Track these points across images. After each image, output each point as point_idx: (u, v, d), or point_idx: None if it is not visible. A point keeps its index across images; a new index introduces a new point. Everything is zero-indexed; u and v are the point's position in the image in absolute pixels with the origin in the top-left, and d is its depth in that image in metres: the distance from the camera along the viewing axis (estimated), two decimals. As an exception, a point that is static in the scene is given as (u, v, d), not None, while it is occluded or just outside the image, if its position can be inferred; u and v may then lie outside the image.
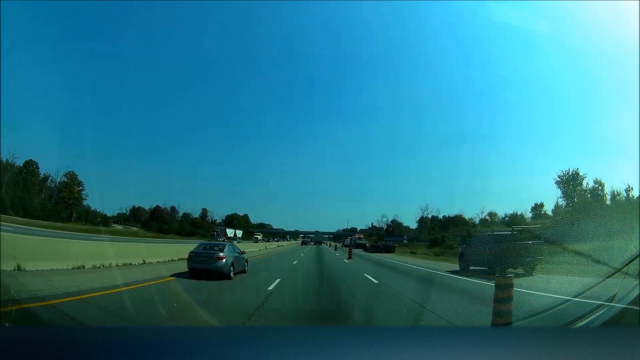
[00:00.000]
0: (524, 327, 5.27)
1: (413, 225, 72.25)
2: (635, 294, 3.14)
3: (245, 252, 15.18)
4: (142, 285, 9.41)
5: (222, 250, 12.08)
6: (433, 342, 1.63)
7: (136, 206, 72.39)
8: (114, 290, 8.27)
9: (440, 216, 66.59)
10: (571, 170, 46.76)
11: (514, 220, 43.28)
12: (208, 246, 12.77)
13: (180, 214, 73.72)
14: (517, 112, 72.03)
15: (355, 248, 47.56)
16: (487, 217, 55.49)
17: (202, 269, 11.44)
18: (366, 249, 46.96)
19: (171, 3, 58.55)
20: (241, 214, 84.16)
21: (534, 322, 5.72)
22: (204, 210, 78.98)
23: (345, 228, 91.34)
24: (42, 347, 1.45)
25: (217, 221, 77.97)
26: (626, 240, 9.49)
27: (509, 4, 36.22)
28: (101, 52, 69.04)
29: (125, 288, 8.61)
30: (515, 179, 75.77)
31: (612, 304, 3.32)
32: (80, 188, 56.06)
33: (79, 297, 7.20)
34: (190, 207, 76.80)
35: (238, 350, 1.45)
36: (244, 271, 13.68)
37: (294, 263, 21.23)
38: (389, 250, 43.22)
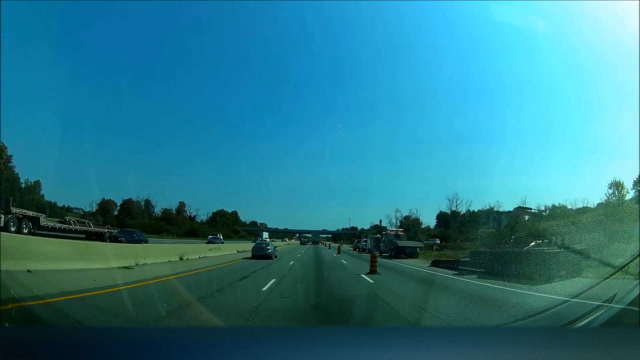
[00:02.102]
0: (524, 327, 5.26)
1: (430, 222, 65.82)
2: (635, 294, 3.13)
3: (277, 246, 31.93)
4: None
5: (268, 245, 24.47)
6: (432, 342, 1.63)
7: (106, 199, 61.15)
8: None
9: (464, 210, 57.27)
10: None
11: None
12: (260, 243, 25.47)
13: (160, 209, 66.25)
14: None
15: (395, 257, 27.25)
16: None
17: (259, 254, 22.66)
18: (452, 266, 18.92)
19: (168, 3, 58.65)
20: (229, 210, 77.21)
21: (534, 322, 5.71)
22: (181, 204, 70.59)
23: (345, 227, 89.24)
24: (42, 347, 1.45)
25: (198, 217, 72.11)
26: None
27: (507, 3, 36.24)
28: (92, 46, 67.68)
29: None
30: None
31: (611, 304, 3.32)
32: (13, 166, 43.00)
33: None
34: (175, 203, 69.85)
35: (237, 350, 1.46)
36: (276, 257, 24.23)
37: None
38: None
